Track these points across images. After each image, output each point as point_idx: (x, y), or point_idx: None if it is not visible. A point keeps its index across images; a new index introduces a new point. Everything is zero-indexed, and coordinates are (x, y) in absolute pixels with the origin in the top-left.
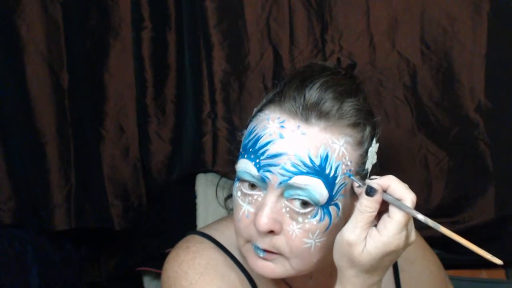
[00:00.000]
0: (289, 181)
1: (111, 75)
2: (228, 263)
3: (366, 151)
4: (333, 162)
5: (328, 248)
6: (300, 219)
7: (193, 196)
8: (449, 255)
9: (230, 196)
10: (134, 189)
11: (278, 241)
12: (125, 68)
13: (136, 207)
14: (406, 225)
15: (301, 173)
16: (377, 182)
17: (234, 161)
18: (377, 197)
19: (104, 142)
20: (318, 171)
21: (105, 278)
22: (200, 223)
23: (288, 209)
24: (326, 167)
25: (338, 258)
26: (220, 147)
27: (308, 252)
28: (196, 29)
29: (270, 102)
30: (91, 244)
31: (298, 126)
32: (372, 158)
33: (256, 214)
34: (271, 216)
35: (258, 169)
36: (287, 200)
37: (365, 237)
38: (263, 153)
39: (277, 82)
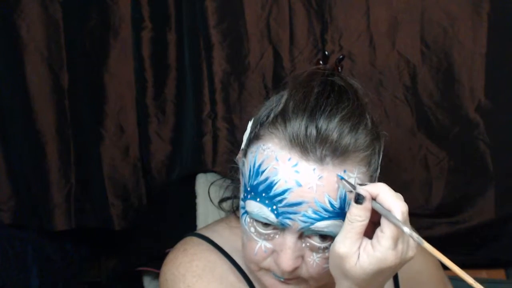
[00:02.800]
0: (311, 227)
1: (111, 75)
2: (226, 265)
3: (375, 169)
4: (348, 198)
5: None
6: (320, 251)
7: (193, 196)
8: (449, 255)
9: (227, 198)
10: (134, 189)
11: (300, 271)
12: (125, 68)
13: (136, 207)
14: (398, 238)
15: (323, 218)
16: (366, 189)
17: (233, 161)
18: (366, 205)
19: (104, 142)
20: (339, 213)
21: (105, 278)
22: (200, 223)
23: (308, 244)
24: (346, 206)
25: (332, 269)
26: (220, 147)
27: (327, 273)
28: (196, 29)
29: (271, 127)
30: (91, 244)
31: (314, 170)
32: (377, 172)
33: (276, 252)
34: (294, 256)
35: (277, 216)
36: (306, 236)
37: (358, 248)
38: (280, 201)
39: (275, 90)
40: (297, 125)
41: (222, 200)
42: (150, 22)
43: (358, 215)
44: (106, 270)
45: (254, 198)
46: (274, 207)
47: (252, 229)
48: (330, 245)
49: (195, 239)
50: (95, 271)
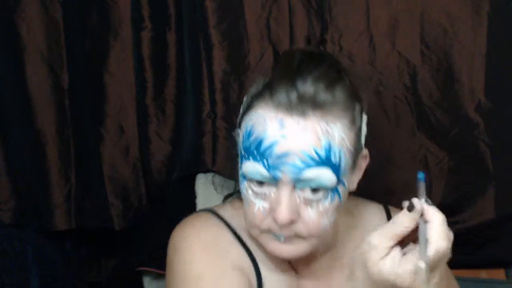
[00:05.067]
0: (300, 176)
1: (111, 75)
2: (231, 241)
3: (360, 128)
4: (335, 149)
5: (337, 220)
6: (314, 204)
7: (193, 196)
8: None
9: (230, 195)
10: (134, 189)
11: (298, 228)
12: (125, 68)
13: (136, 207)
14: (429, 271)
15: (310, 166)
16: (425, 207)
17: (233, 160)
18: (414, 216)
19: (104, 142)
20: (325, 161)
21: (105, 278)
22: None
23: (302, 198)
24: (331, 156)
25: (356, 254)
26: (220, 147)
27: (324, 230)
28: (196, 29)
29: (260, 97)
30: (91, 244)
31: (298, 122)
32: (364, 131)
33: (272, 209)
34: (289, 208)
35: (268, 169)
36: (299, 190)
37: (387, 248)
38: (270, 154)
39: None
40: (280, 90)
41: (226, 197)
42: (150, 22)
43: (403, 221)
44: (106, 270)
45: (247, 159)
46: (265, 161)
47: (250, 192)
48: (322, 198)
49: (202, 214)
50: (95, 271)
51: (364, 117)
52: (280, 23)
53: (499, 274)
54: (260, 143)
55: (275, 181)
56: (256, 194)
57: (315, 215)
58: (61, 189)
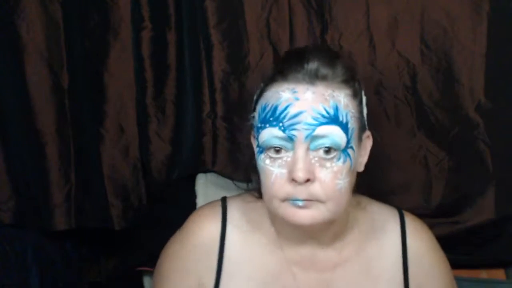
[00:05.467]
0: (313, 133)
1: (111, 75)
2: (213, 235)
3: (361, 101)
4: (342, 110)
5: (350, 191)
6: (328, 164)
7: (193, 196)
8: (449, 255)
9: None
10: (134, 189)
11: (314, 189)
12: (125, 68)
13: (136, 207)
14: None
15: (322, 123)
16: None
17: (233, 161)
18: None
19: (104, 142)
20: (334, 119)
21: (105, 278)
22: None
23: (316, 158)
24: (339, 115)
25: None
26: (220, 147)
27: (339, 192)
28: (196, 29)
29: (272, 80)
30: (91, 244)
31: (308, 88)
32: (364, 108)
33: (290, 170)
34: (305, 166)
35: (284, 130)
36: (313, 151)
37: None
38: (284, 117)
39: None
40: (290, 69)
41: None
42: (150, 22)
43: None
44: (106, 270)
45: (264, 127)
46: (281, 124)
47: (267, 161)
48: (335, 158)
49: (217, 203)
50: (95, 271)
51: (364, 97)
52: (280, 23)
53: (499, 274)
54: (275, 108)
55: (291, 142)
56: (273, 161)
57: (330, 174)
58: (61, 189)
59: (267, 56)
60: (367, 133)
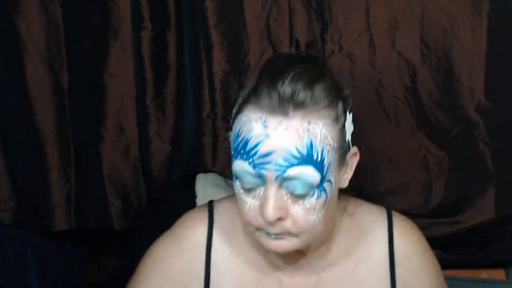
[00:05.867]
0: (284, 175)
1: (111, 75)
2: (199, 240)
3: (343, 125)
4: (318, 147)
5: (328, 218)
6: (300, 201)
7: (193, 196)
8: (449, 255)
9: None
10: (134, 189)
11: (286, 224)
12: (125, 68)
13: (136, 207)
14: None
15: (293, 165)
16: None
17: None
18: None
19: (104, 142)
20: (307, 160)
21: (105, 278)
22: None
23: (288, 195)
24: (313, 153)
25: None
26: (220, 147)
27: (313, 227)
28: (196, 29)
29: (247, 101)
30: (91, 244)
31: (280, 122)
32: (349, 129)
33: (261, 206)
34: (275, 205)
35: (254, 167)
36: (285, 188)
37: None
38: (255, 153)
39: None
40: (263, 92)
41: None
42: (150, 22)
43: None
44: (106, 270)
45: (236, 157)
46: (251, 160)
47: (241, 190)
48: (309, 196)
49: (204, 207)
50: (95, 271)
51: (349, 116)
52: (280, 23)
53: (499, 274)
54: (246, 142)
55: (262, 180)
56: (246, 192)
57: (302, 211)
58: (61, 189)
59: (267, 56)
60: (353, 150)
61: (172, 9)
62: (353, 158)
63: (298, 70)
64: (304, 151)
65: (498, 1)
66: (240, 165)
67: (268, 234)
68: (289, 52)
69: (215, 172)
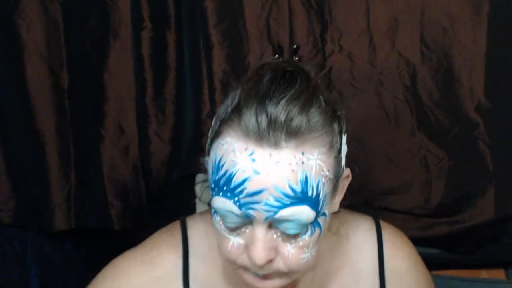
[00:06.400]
0: (275, 216)
1: (111, 75)
2: (173, 270)
3: (339, 151)
4: (313, 181)
5: (320, 250)
6: (293, 240)
7: (193, 196)
8: (449, 255)
9: None
10: (134, 189)
11: (277, 265)
12: (125, 68)
13: (136, 207)
14: None
15: (286, 205)
16: None
17: None
18: None
19: (104, 142)
20: (301, 198)
21: None
22: None
23: (279, 234)
24: (308, 190)
25: None
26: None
27: (306, 264)
28: (196, 29)
29: (228, 123)
30: (91, 244)
31: (270, 155)
32: (344, 152)
33: (248, 247)
34: (265, 248)
35: (240, 207)
36: (276, 228)
37: None
38: (241, 192)
39: (229, 90)
40: (249, 114)
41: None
42: (150, 22)
43: None
44: None
45: (218, 194)
46: (236, 198)
47: (223, 227)
48: (302, 233)
49: (176, 229)
50: (95, 271)
51: (344, 137)
52: (280, 23)
53: (499, 274)
54: (230, 179)
55: (249, 219)
56: (230, 230)
57: (295, 250)
58: (61, 189)
59: (267, 56)
60: (346, 173)
61: (172, 9)
62: (345, 181)
63: (293, 89)
64: (299, 189)
65: (498, 1)
66: (222, 204)
67: (256, 274)
68: (276, 61)
69: None
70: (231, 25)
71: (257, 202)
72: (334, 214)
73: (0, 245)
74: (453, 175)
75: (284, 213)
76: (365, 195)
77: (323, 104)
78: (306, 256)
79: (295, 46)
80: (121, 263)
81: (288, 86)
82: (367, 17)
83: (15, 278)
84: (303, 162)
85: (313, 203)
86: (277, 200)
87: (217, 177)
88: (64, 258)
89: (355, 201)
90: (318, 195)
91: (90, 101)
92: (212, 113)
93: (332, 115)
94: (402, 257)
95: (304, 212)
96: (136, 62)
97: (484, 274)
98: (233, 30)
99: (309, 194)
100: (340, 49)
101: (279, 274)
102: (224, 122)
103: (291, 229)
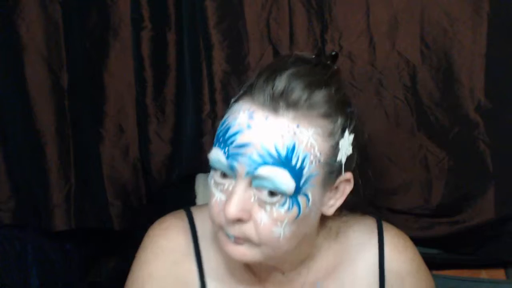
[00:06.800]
0: (254, 172)
1: (111, 75)
2: (186, 251)
3: (337, 143)
4: (300, 152)
5: (298, 237)
6: (268, 207)
7: (193, 196)
8: (449, 255)
9: None
10: (134, 189)
11: (247, 229)
12: (125, 68)
13: (136, 207)
14: None
15: (267, 163)
16: None
17: None
18: None
19: (104, 142)
20: (284, 162)
21: (105, 278)
22: None
23: (256, 197)
24: (293, 158)
25: None
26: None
27: (277, 240)
28: (196, 29)
29: (244, 93)
30: (91, 244)
31: (267, 117)
32: (345, 150)
33: (225, 201)
34: (239, 204)
35: (227, 157)
36: (255, 189)
37: None
38: (231, 143)
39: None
40: (259, 84)
41: None
42: (150, 22)
43: None
44: (106, 270)
45: (215, 145)
46: (226, 149)
47: (212, 182)
48: (278, 203)
49: (180, 215)
50: (95, 271)
51: (349, 136)
52: (280, 23)
53: (499, 274)
54: (227, 130)
55: (233, 173)
56: (217, 185)
57: (268, 220)
58: (61, 189)
59: (267, 56)
60: (346, 176)
61: (172, 9)
62: (345, 185)
63: (301, 69)
64: (283, 153)
65: (498, 1)
66: (215, 154)
67: (228, 236)
68: (303, 53)
69: None
70: (231, 25)
71: (242, 155)
72: (336, 214)
73: (0, 245)
74: (453, 175)
75: (263, 171)
76: (365, 196)
77: (332, 92)
78: (278, 231)
79: (333, 53)
80: (143, 267)
81: (301, 65)
82: (367, 17)
83: (15, 278)
84: (295, 133)
85: (295, 173)
86: (260, 157)
87: (219, 131)
88: (64, 258)
89: (363, 203)
90: (302, 168)
91: (90, 101)
92: (212, 113)
93: (339, 108)
94: (403, 260)
95: (284, 177)
96: (136, 62)
97: (484, 274)
98: (233, 30)
99: (293, 162)
100: (340, 49)
101: (250, 244)
102: (242, 93)
103: (268, 189)
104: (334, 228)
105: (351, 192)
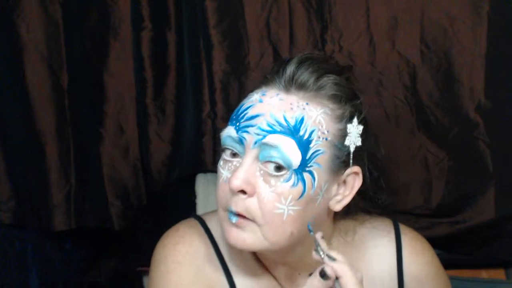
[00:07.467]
0: (263, 140)
1: (111, 75)
2: (208, 254)
3: (345, 128)
4: (308, 125)
5: (303, 222)
6: (272, 181)
7: (193, 196)
8: (449, 255)
9: None
10: (134, 189)
11: (251, 204)
12: (125, 68)
13: (136, 207)
14: None
15: (275, 131)
16: (333, 266)
17: None
18: (328, 283)
19: (104, 142)
20: (292, 131)
21: (105, 278)
22: None
23: (262, 172)
24: (301, 128)
25: None
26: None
27: (280, 219)
28: (196, 29)
29: (262, 82)
30: (91, 244)
31: (277, 94)
32: (354, 137)
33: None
34: (244, 176)
35: (237, 131)
36: (262, 163)
37: None
38: (243, 117)
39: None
40: (272, 73)
41: None
42: (150, 22)
43: (317, 286)
44: (106, 270)
45: (228, 124)
46: (238, 124)
47: (221, 162)
48: (283, 178)
49: (192, 221)
50: (95, 271)
51: (358, 125)
52: (280, 23)
53: (499, 274)
54: (240, 108)
55: (242, 147)
56: (225, 163)
57: (271, 194)
58: (61, 189)
59: (267, 56)
60: (353, 169)
61: (172, 9)
62: (354, 178)
63: (313, 58)
64: (292, 122)
65: (498, 1)
66: (227, 130)
67: (230, 216)
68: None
69: (215, 172)
70: (231, 25)
71: (251, 126)
72: (352, 216)
73: (0, 245)
74: (453, 175)
75: (271, 138)
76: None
77: (343, 79)
78: (281, 207)
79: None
80: (169, 278)
81: (313, 56)
82: (367, 17)
83: (15, 278)
84: (304, 108)
85: (302, 144)
86: (269, 125)
87: (233, 113)
88: (64, 258)
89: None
90: (309, 141)
91: (90, 101)
92: (212, 113)
93: (348, 96)
94: (422, 262)
95: (290, 145)
96: (136, 62)
97: (484, 274)
98: (233, 30)
99: (301, 133)
100: (340, 49)
101: (252, 228)
102: (260, 82)
103: (274, 161)
104: (350, 231)
105: (363, 197)
